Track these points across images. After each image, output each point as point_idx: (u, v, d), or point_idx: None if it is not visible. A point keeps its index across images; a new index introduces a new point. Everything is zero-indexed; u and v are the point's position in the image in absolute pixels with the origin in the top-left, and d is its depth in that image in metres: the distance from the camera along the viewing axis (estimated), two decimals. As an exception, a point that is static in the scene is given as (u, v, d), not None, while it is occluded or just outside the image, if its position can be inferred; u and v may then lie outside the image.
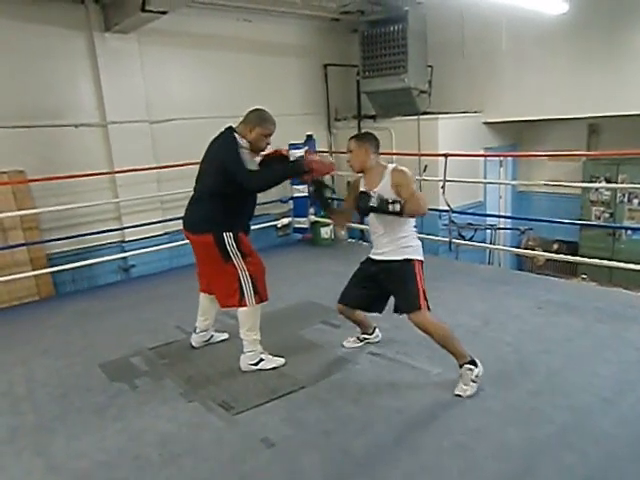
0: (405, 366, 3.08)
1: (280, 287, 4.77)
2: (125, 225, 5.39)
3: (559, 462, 2.20)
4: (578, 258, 4.85)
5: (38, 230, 4.84)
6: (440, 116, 6.16)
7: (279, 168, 2.98)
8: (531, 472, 2.17)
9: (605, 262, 4.38)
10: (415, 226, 2.92)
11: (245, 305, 2.98)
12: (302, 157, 3.04)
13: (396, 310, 2.88)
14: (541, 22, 5.34)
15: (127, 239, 5.44)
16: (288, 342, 3.49)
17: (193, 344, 3.48)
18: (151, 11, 4.37)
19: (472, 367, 2.75)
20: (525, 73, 6.02)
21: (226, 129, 2.98)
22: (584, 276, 6.12)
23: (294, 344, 3.47)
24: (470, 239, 6.16)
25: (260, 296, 3.02)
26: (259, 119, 2.93)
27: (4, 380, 3.21)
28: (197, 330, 3.46)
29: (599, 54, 5.44)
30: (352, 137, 2.93)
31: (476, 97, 6.46)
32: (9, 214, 4.55)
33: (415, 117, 6.23)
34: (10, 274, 4.49)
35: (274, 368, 3.10)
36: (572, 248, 6.61)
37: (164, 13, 4.47)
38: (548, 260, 6.33)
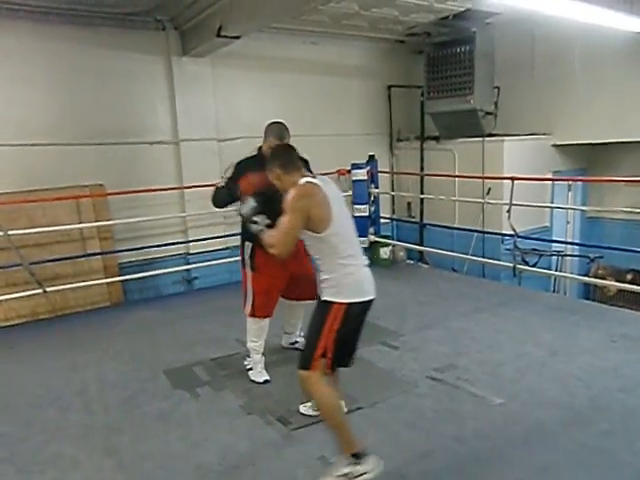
0: (466, 393, 2.99)
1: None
2: (190, 238, 5.63)
3: (637, 510, 2.05)
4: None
5: (112, 240, 5.16)
6: (506, 138, 6.01)
7: (224, 191, 3.17)
8: (605, 519, 2.03)
9: (688, 296, 4.06)
10: (349, 256, 2.24)
11: (244, 311, 3.27)
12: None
13: None
14: (619, 40, 5.11)
15: (191, 252, 5.66)
16: (345, 361, 3.49)
17: (282, 343, 3.74)
18: (226, 36, 4.61)
19: (350, 459, 2.14)
20: (600, 93, 5.77)
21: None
22: (663, 310, 5.69)
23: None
24: (534, 265, 5.92)
25: (254, 310, 3.21)
26: (266, 134, 3.15)
27: (78, 380, 3.42)
28: (284, 330, 3.72)
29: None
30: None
31: (545, 119, 6.26)
32: (89, 225, 4.89)
33: (480, 139, 6.12)
34: (87, 280, 4.79)
35: (252, 381, 3.27)
36: (648, 279, 6.18)
37: (237, 38, 4.70)
38: (620, 291, 5.94)
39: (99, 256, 5.03)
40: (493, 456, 2.43)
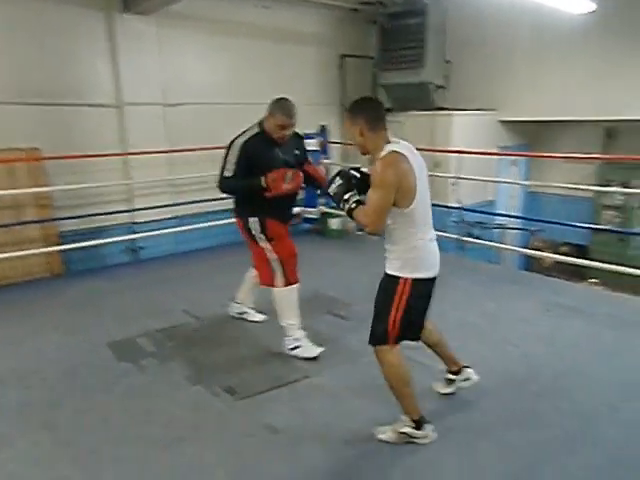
0: (412, 361, 3.05)
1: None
2: (136, 207, 5.41)
3: (562, 467, 2.21)
4: (588, 262, 4.80)
5: (51, 208, 4.87)
6: (455, 112, 6.11)
7: (245, 182, 2.96)
8: (534, 475, 2.17)
9: (615, 267, 4.33)
10: (420, 231, 2.22)
11: (275, 285, 3.12)
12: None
13: None
14: (565, 21, 5.25)
15: (137, 221, 5.45)
16: (294, 331, 3.51)
17: (229, 312, 3.69)
18: (171, -7, 4.36)
19: (410, 424, 2.32)
20: (545, 73, 5.95)
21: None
22: (593, 280, 6.08)
23: (300, 334, 3.48)
24: (478, 237, 6.13)
25: (287, 279, 3.09)
26: (274, 109, 2.98)
27: (14, 353, 3.27)
28: (235, 299, 3.67)
29: (623, 57, 5.35)
30: (349, 107, 2.27)
31: (493, 95, 6.39)
32: (23, 191, 4.58)
33: (430, 112, 6.18)
34: (22, 250, 4.52)
35: (307, 358, 3.11)
36: (581, 251, 6.56)
37: (184, -4, 4.46)
38: (556, 262, 6.28)
39: (37, 224, 4.75)
40: (434, 419, 2.51)
